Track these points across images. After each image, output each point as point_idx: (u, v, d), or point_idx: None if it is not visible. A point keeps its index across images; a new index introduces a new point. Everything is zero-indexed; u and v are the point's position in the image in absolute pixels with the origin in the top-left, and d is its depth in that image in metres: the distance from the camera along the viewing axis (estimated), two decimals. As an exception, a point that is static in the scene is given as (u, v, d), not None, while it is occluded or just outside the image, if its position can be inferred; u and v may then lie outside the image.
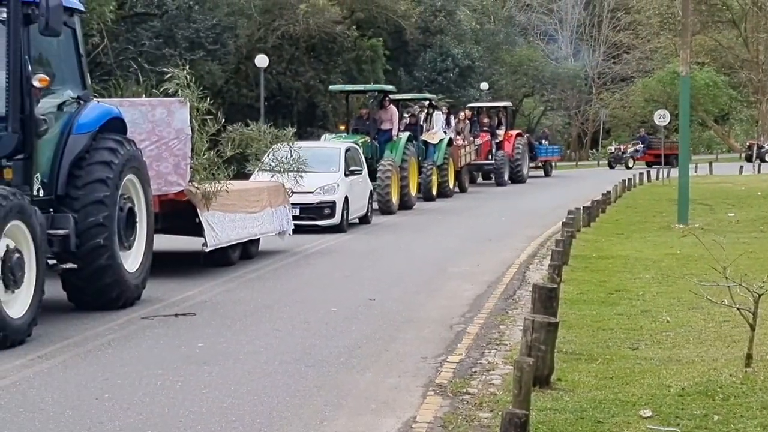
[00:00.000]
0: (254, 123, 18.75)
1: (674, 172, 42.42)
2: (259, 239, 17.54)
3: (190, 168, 14.76)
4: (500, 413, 7.57)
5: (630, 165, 55.58)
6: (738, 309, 8.63)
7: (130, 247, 12.75)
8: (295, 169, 19.21)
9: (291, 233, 18.56)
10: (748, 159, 59.00)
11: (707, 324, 10.86)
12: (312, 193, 21.51)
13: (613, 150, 58.05)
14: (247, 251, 17.10)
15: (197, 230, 15.24)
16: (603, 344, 10.03)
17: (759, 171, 49.30)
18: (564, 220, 18.82)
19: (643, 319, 11.37)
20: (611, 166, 56.47)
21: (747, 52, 76.57)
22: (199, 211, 15.01)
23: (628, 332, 10.62)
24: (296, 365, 9.38)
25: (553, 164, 51.18)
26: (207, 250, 15.16)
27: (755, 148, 59.90)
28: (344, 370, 9.22)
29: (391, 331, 11.07)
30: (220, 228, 15.45)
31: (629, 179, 37.17)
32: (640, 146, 57.34)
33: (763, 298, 8.64)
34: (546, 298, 9.15)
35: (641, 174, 41.64)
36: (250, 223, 16.64)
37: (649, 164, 55.14)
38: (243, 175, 20.09)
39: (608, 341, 10.18)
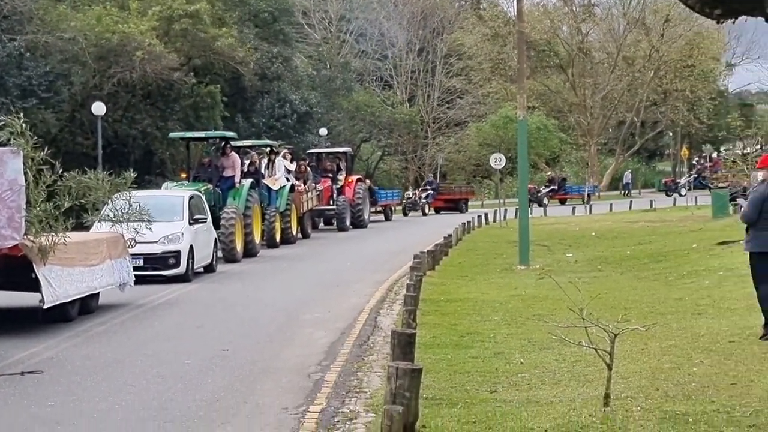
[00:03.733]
0: (91, 171, 18.30)
1: (510, 214, 43.53)
2: (99, 293, 16.97)
3: (25, 220, 14.06)
4: (368, 462, 7.57)
5: (426, 211, 54.80)
6: (595, 349, 8.83)
7: None
8: (136, 218, 18.73)
9: (132, 284, 18.12)
10: (667, 194, 64.17)
11: (560, 364, 11.08)
12: (156, 242, 21.14)
13: (410, 196, 56.24)
14: (86, 306, 16.49)
15: (34, 286, 14.64)
16: (461, 388, 10.11)
17: (591, 212, 50.90)
18: (411, 264, 18.99)
19: (497, 361, 11.53)
20: (405, 214, 54.03)
21: (575, 96, 79.37)
22: (35, 266, 14.36)
23: (485, 375, 10.74)
24: (154, 422, 9.15)
25: (393, 208, 51.66)
26: (45, 306, 14.51)
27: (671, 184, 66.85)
28: (204, 425, 9.04)
29: (249, 383, 10.92)
30: (58, 283, 14.84)
31: (468, 222, 37.82)
32: (429, 191, 56.83)
33: (618, 337, 8.86)
34: (405, 344, 9.16)
35: (479, 216, 42.44)
36: (90, 277, 16.10)
37: (438, 210, 56.04)
38: (81, 227, 19.54)
39: (466, 385, 10.28)
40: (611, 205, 54.03)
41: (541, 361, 11.33)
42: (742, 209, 12.20)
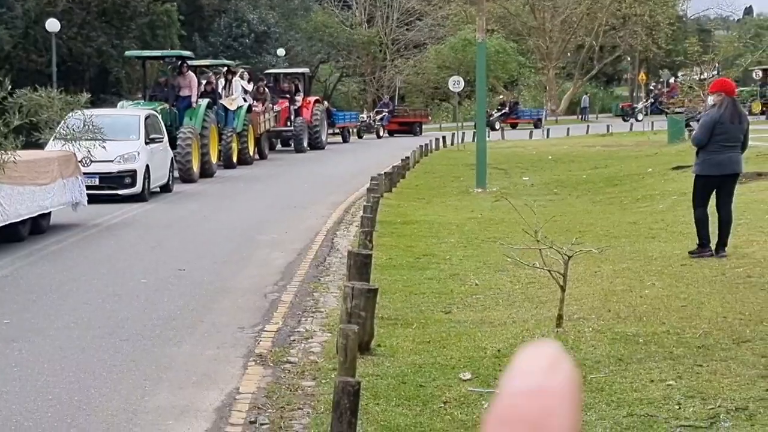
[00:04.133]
0: (44, 89, 17.81)
1: (468, 137, 43.55)
2: (50, 213, 16.79)
3: None
4: (324, 381, 7.65)
5: (381, 134, 54.53)
6: (549, 271, 8.92)
7: None
8: (90, 137, 18.44)
9: (85, 204, 17.82)
10: (624, 118, 63.39)
11: (514, 286, 11.19)
12: (112, 161, 20.98)
13: (364, 119, 55.37)
14: (38, 226, 16.30)
15: None
16: (417, 309, 10.20)
17: (548, 136, 51.03)
18: (368, 185, 19.00)
19: (452, 282, 11.62)
20: (360, 136, 53.22)
21: (534, 19, 79.05)
22: None
23: (440, 296, 10.83)
24: (110, 339, 9.17)
25: (351, 130, 51.50)
26: None
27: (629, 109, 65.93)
28: (161, 343, 9.07)
29: (205, 302, 10.95)
30: (9, 202, 14.64)
31: (426, 145, 37.80)
32: (384, 114, 56.31)
33: (572, 260, 8.97)
34: (361, 265, 9.24)
35: (437, 139, 42.43)
36: (41, 196, 15.86)
37: (392, 133, 55.82)
38: (33, 145, 19.29)
39: (421, 305, 10.37)
40: (568, 129, 54.18)
41: (495, 283, 11.43)
42: (694, 132, 12.32)
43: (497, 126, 56.55)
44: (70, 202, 17.26)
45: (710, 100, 12.60)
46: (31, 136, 18.50)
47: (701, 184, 12.32)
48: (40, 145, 19.65)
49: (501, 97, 64.62)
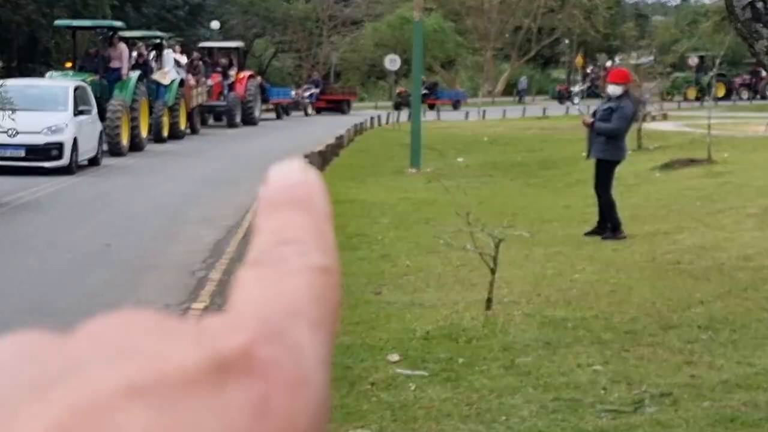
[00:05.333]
0: None
1: (404, 117, 43.50)
2: None
3: None
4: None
5: (309, 112, 53.68)
6: (480, 254, 8.87)
7: None
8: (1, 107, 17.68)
9: None
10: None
11: (445, 268, 11.13)
12: (39, 133, 20.58)
13: (293, 96, 53.77)
14: None
15: None
16: (347, 289, 10.07)
17: (484, 117, 51.15)
18: (300, 163, 18.82)
19: (383, 263, 11.53)
20: (287, 113, 51.18)
21: (472, -1, 79.12)
22: None
23: (370, 277, 10.74)
24: (33, 315, 8.96)
25: (285, 107, 51.10)
26: None
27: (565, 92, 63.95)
28: (85, 319, 8.85)
29: (131, 278, 10.77)
30: None
31: (360, 123, 37.67)
32: (314, 91, 55.54)
33: (503, 243, 8.93)
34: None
35: (372, 118, 42.31)
36: None
37: (319, 110, 55.23)
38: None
39: (351, 286, 10.26)
40: (504, 111, 54.36)
41: (426, 265, 11.37)
42: (615, 124, 12.57)
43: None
44: None
45: (617, 89, 12.86)
46: None
47: (613, 169, 12.82)
48: None
49: (422, 78, 62.48)
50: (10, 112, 17.00)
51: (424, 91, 55.91)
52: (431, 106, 56.55)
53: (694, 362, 7.39)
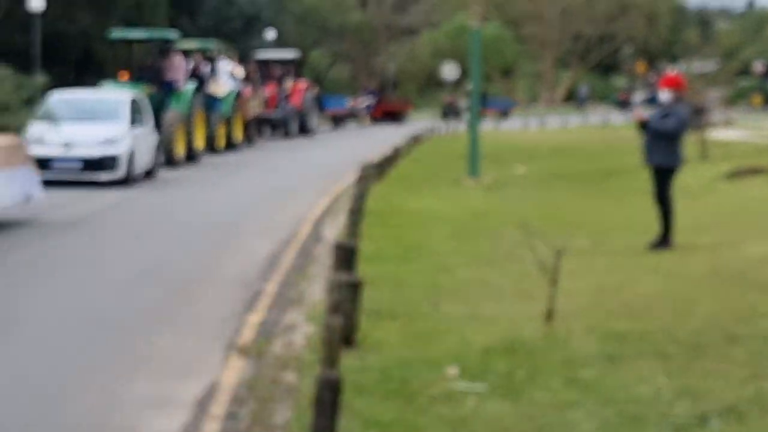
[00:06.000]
0: None
1: (462, 127, 43.36)
2: None
3: None
4: (307, 374, 7.43)
5: (365, 122, 53.65)
6: (540, 265, 8.70)
7: None
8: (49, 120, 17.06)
9: (39, 196, 15.87)
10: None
11: (505, 280, 10.95)
12: (96, 145, 20.68)
13: (349, 107, 53.60)
14: None
15: None
16: (404, 302, 9.98)
17: (544, 125, 50.79)
18: (357, 174, 18.72)
19: (441, 275, 11.39)
20: (336, 126, 50.93)
21: (532, 7, 78.76)
22: None
23: (428, 289, 10.60)
24: (90, 329, 8.97)
25: (342, 117, 51.15)
26: None
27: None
28: (141, 334, 8.85)
29: (187, 291, 10.74)
30: None
31: (417, 133, 37.57)
32: (370, 101, 55.55)
33: (564, 254, 8.76)
34: (347, 257, 9.00)
35: (429, 128, 42.19)
36: None
37: (375, 120, 55.05)
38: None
39: (409, 299, 10.14)
40: (565, 119, 54.01)
41: (485, 276, 11.20)
42: (673, 124, 12.37)
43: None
44: (18, 197, 15.04)
45: (664, 95, 12.73)
46: None
47: (671, 177, 12.66)
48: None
49: (469, 87, 60.97)
50: (56, 124, 16.77)
51: None
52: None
53: (760, 376, 7.20)
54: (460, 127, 45.88)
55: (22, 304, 9.96)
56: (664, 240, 12.51)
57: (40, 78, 16.14)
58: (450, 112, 57.58)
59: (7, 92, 15.23)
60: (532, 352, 7.85)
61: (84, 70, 45.39)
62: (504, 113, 57.92)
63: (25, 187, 15.22)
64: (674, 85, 12.87)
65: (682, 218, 13.95)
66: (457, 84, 53.26)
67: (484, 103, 58.28)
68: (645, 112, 13.13)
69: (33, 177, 15.59)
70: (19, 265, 12.14)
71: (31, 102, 15.52)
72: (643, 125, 12.73)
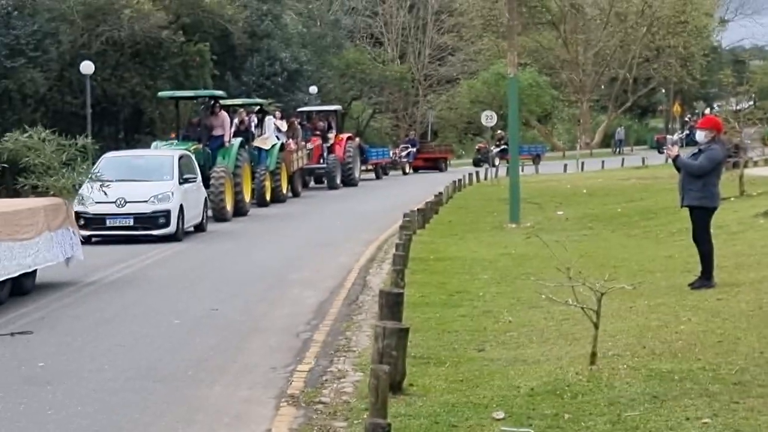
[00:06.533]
0: (34, 130, 15.82)
1: (502, 172, 43.47)
2: (35, 271, 14.70)
3: None
4: (356, 422, 7.60)
5: (407, 171, 53.71)
6: (582, 308, 8.84)
7: None
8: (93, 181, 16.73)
9: (81, 258, 15.93)
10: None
11: (548, 323, 11.10)
12: (146, 202, 21.16)
13: (391, 156, 53.72)
14: (20, 286, 14.10)
15: None
16: (449, 347, 10.14)
17: (582, 169, 50.83)
18: (401, 222, 18.98)
19: (485, 319, 11.55)
20: (386, 173, 51.24)
21: (567, 52, 79.15)
22: None
23: (473, 334, 10.77)
24: (143, 381, 9.18)
25: (384, 167, 51.47)
26: None
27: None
28: (193, 384, 9.06)
29: (237, 342, 10.95)
30: None
31: (459, 180, 37.78)
32: (411, 150, 55.70)
33: (606, 296, 8.89)
34: (393, 304, 9.20)
35: (470, 174, 42.39)
36: (21, 253, 13.74)
37: (416, 169, 55.30)
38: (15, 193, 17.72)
39: (454, 343, 10.31)
40: (603, 162, 53.99)
41: (529, 320, 11.35)
42: (701, 163, 12.46)
43: (496, 162, 53.41)
44: (60, 258, 15.21)
45: (701, 135, 12.86)
46: (16, 182, 16.70)
47: (709, 217, 12.77)
48: (18, 192, 17.62)
49: (499, 131, 57.38)
50: (102, 184, 16.89)
51: (503, 146, 54.57)
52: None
53: (806, 413, 7.24)
54: (499, 172, 46.02)
55: (77, 357, 10.22)
56: (705, 279, 12.58)
57: (81, 140, 15.99)
58: (482, 158, 57.86)
59: (47, 154, 15.34)
60: (577, 394, 7.97)
61: (134, 128, 46.16)
62: (535, 159, 57.76)
63: (66, 249, 15.37)
64: (711, 125, 13.00)
65: (723, 256, 14.03)
66: (493, 131, 53.20)
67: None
68: (676, 149, 13.24)
69: (74, 239, 15.72)
70: (74, 319, 12.44)
71: (71, 164, 15.62)
72: (675, 159, 12.86)
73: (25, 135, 15.40)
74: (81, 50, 40.34)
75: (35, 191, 16.24)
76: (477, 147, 61.54)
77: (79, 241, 15.91)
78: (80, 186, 16.39)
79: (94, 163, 17.81)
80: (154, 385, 9.05)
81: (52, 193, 15.53)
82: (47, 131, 15.86)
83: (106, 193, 17.54)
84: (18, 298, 14.03)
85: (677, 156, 12.82)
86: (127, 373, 9.47)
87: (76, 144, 15.69)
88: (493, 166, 51.99)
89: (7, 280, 13.46)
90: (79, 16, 39.43)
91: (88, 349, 10.66)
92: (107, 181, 17.39)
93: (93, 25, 40.89)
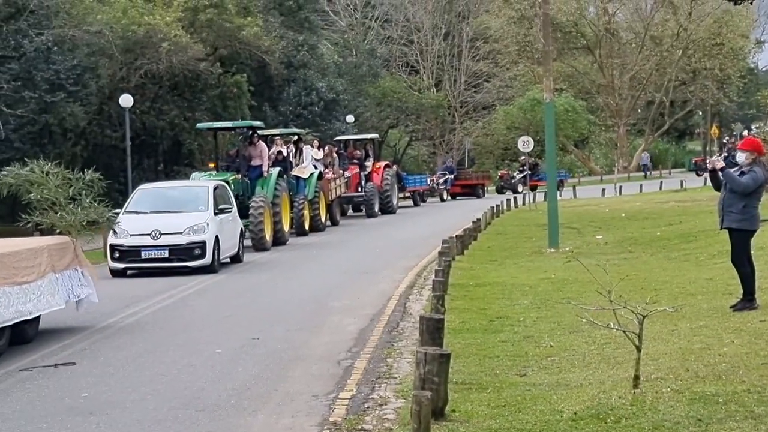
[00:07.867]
0: (34, 163, 14.79)
1: (540, 197, 43.40)
2: (38, 317, 13.47)
3: None
4: (398, 448, 7.59)
5: (444, 197, 53.87)
6: (624, 331, 8.80)
7: None
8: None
9: (94, 300, 14.76)
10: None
11: (590, 347, 11.05)
12: (181, 233, 21.20)
13: (428, 183, 53.74)
14: (20, 334, 12.97)
15: None
16: (491, 372, 10.12)
17: (620, 193, 50.64)
18: (440, 249, 18.97)
19: (526, 344, 11.52)
20: (423, 200, 50.99)
21: (602, 77, 79.10)
22: None
23: (514, 359, 10.74)
24: (186, 411, 9.21)
25: (422, 194, 51.53)
26: None
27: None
28: (236, 413, 9.09)
29: (279, 370, 10.97)
30: None
31: (497, 206, 37.74)
32: (448, 176, 55.77)
33: (648, 319, 8.84)
34: (434, 330, 9.19)
35: (508, 200, 42.33)
36: (21, 298, 12.54)
37: (454, 196, 55.31)
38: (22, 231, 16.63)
39: (496, 369, 10.28)
40: (641, 185, 53.76)
41: (570, 344, 11.31)
42: (746, 181, 12.40)
43: (520, 189, 53.11)
44: (65, 301, 13.89)
45: (742, 157, 12.85)
46: (18, 219, 15.51)
47: (748, 239, 12.81)
48: (43, 231, 16.27)
49: (523, 157, 54.82)
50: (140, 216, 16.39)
51: (526, 172, 53.89)
52: (532, 188, 52.29)
53: None
54: (536, 198, 45.93)
55: (120, 388, 10.28)
56: (747, 300, 12.49)
57: (88, 174, 14.81)
58: (504, 185, 57.86)
59: (52, 189, 14.39)
60: (620, 418, 7.91)
61: (173, 160, 46.56)
62: (558, 185, 57.22)
63: (74, 291, 14.17)
64: (752, 147, 12.95)
65: (765, 277, 13.91)
66: (530, 157, 53.04)
67: (537, 175, 56.13)
68: (722, 162, 13.15)
69: (84, 280, 14.49)
70: (116, 349, 12.52)
71: (78, 198, 14.65)
72: (715, 173, 12.76)
73: (27, 168, 14.51)
74: (120, 84, 40.79)
75: (39, 229, 15.51)
76: (500, 174, 61.58)
77: (92, 282, 14.70)
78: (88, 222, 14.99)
79: (128, 196, 17.57)
80: (197, 414, 9.09)
81: (58, 231, 14.55)
82: (49, 164, 14.76)
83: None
84: (60, 330, 14.15)
85: (723, 167, 12.72)
86: (170, 403, 9.52)
87: (84, 178, 14.76)
88: (518, 192, 51.85)
89: (4, 328, 12.32)
90: (117, 50, 39.87)
91: (130, 380, 10.72)
92: (141, 212, 16.93)
93: (131, 58, 41.35)
